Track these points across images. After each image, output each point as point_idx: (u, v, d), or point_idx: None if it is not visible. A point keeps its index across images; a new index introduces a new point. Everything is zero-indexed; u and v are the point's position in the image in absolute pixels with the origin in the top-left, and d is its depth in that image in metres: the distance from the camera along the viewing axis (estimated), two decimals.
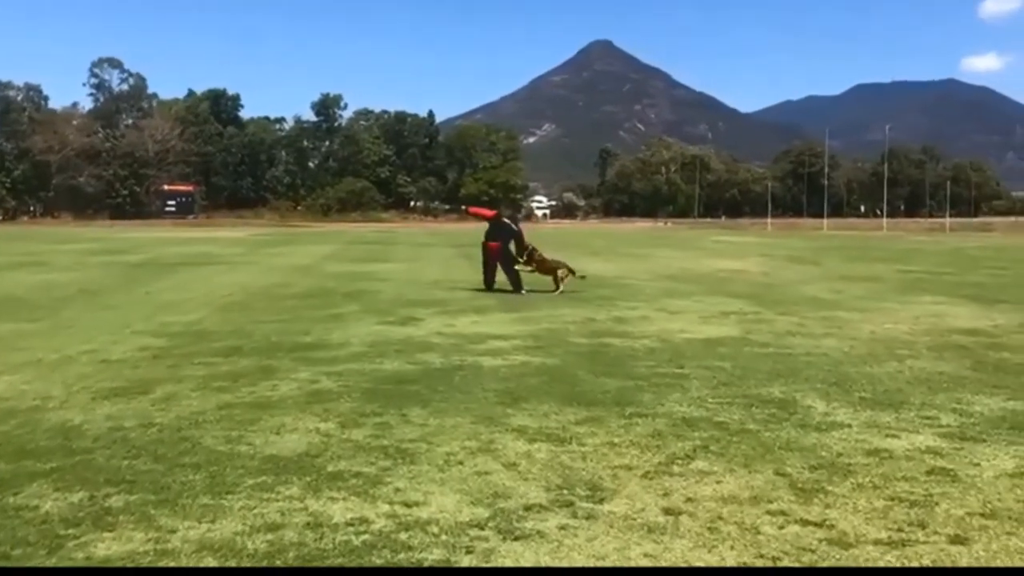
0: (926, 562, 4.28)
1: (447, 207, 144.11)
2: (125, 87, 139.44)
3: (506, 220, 18.42)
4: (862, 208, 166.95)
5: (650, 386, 8.18)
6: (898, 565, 4.27)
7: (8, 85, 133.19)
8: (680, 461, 5.81)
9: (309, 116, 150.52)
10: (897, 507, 5.00)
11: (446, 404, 7.43)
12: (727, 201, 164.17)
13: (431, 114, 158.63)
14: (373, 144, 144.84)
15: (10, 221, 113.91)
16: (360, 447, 6.15)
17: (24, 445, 6.23)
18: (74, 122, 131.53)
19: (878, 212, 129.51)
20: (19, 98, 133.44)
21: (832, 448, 6.16)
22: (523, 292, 17.16)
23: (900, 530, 4.66)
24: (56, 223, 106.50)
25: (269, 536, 4.54)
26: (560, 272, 17.83)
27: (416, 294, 17.26)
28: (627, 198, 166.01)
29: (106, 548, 4.41)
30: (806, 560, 4.29)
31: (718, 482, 5.40)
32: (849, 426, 6.78)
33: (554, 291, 17.24)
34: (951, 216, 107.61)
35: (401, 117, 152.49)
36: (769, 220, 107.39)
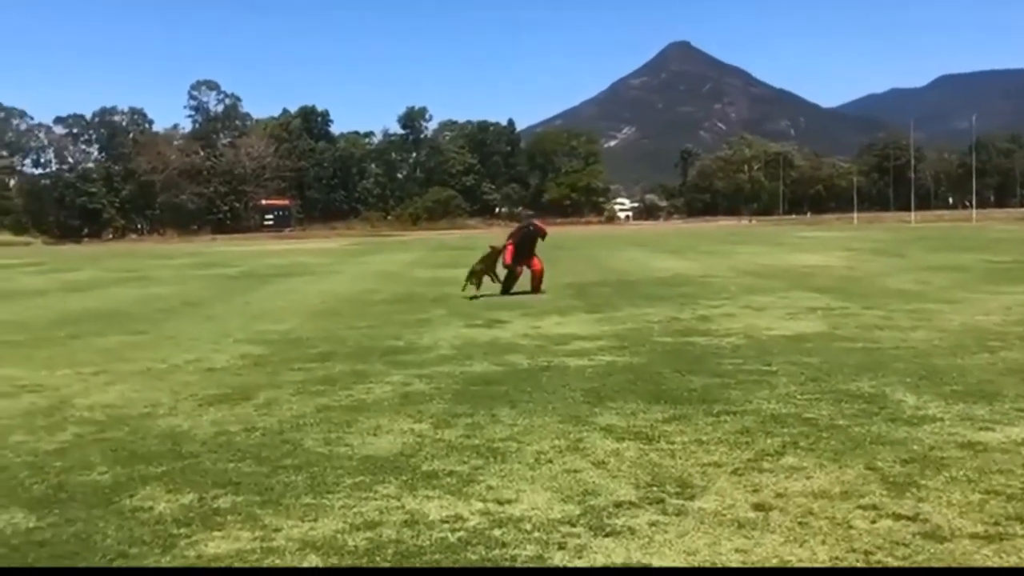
0: None
1: (530, 212, 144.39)
2: (221, 108, 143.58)
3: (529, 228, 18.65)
4: (950, 200, 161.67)
5: (737, 383, 8.07)
6: (995, 559, 4.13)
7: (114, 111, 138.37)
8: (769, 457, 5.72)
9: (396, 129, 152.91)
10: (993, 500, 4.84)
11: (534, 404, 7.45)
12: (811, 197, 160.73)
13: (512, 122, 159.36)
14: (457, 154, 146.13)
15: (118, 239, 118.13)
16: (453, 447, 6.21)
17: (136, 450, 6.45)
18: (175, 143, 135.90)
19: (967, 203, 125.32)
20: (124, 122, 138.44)
21: (924, 442, 5.99)
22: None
23: (997, 524, 4.51)
24: (161, 240, 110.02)
25: (368, 534, 4.62)
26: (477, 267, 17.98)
27: (500, 297, 17.34)
28: (709, 197, 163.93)
29: (215, 547, 4.54)
30: (899, 554, 4.18)
31: (808, 477, 5.30)
32: (941, 419, 6.59)
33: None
34: None
35: (483, 126, 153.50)
36: (855, 214, 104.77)
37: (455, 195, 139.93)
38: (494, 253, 18.14)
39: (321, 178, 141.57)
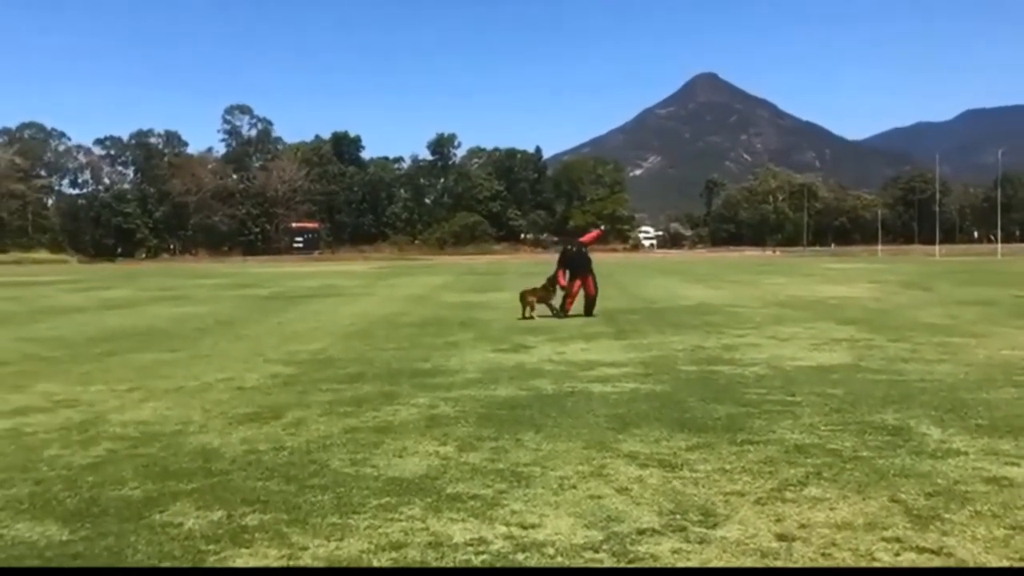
0: None
1: (555, 239, 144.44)
2: (255, 132, 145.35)
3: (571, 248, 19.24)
4: (975, 234, 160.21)
5: (761, 413, 8.03)
6: None
7: (150, 133, 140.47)
8: (793, 487, 5.68)
9: (425, 155, 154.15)
10: (1018, 536, 4.77)
11: (558, 429, 7.44)
12: (836, 229, 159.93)
13: (539, 149, 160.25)
14: (485, 180, 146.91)
15: (152, 259, 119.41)
16: (477, 470, 6.21)
17: (168, 467, 6.50)
18: (209, 165, 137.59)
19: (991, 238, 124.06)
20: (159, 144, 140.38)
21: (948, 475, 5.92)
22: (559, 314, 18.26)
23: (1023, 559, 4.45)
24: (193, 260, 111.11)
25: (393, 554, 4.63)
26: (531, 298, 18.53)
27: (526, 322, 17.40)
28: (734, 227, 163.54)
29: (243, 563, 4.56)
30: None
31: (831, 508, 5.25)
32: (966, 453, 6.50)
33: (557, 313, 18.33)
34: None
35: (511, 153, 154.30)
36: (880, 247, 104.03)
37: (482, 220, 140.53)
38: (549, 282, 18.70)
39: (351, 202, 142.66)
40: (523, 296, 18.57)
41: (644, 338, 14.27)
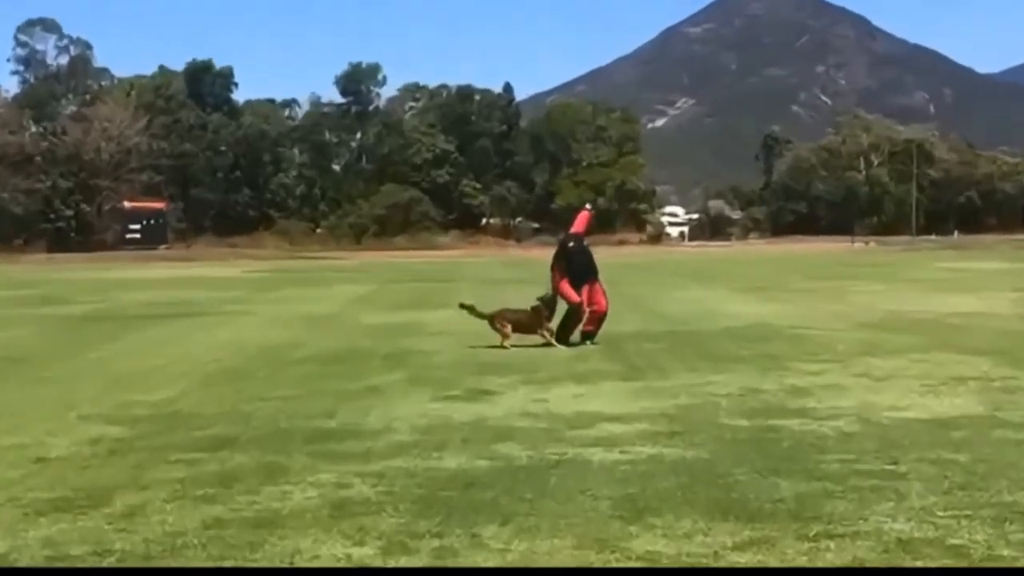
0: None
1: (535, 225, 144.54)
2: (65, 60, 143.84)
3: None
4: None
5: (846, 491, 8.07)
6: None
7: None
8: None
9: (332, 96, 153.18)
10: None
11: (537, 519, 7.45)
12: (961, 208, 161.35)
13: (509, 89, 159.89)
14: (425, 135, 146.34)
15: None
16: None
17: None
18: None
19: None
20: None
21: None
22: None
23: None
24: None
25: None
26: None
27: (489, 354, 17.46)
28: (806, 206, 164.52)
29: None
30: None
31: None
32: None
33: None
34: None
35: (466, 94, 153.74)
36: None
37: (420, 197, 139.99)
38: (546, 303, 18.91)
39: (216, 169, 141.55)
40: (492, 320, 18.76)
41: (667, 378, 14.34)
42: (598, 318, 19.09)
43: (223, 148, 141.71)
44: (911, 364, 15.36)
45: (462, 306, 19.77)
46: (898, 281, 40.54)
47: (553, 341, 18.60)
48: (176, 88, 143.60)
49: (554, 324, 18.92)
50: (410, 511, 7.74)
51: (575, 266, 19.18)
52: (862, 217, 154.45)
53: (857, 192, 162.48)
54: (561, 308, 19.10)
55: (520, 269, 58.13)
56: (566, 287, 18.90)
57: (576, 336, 18.93)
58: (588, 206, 21.82)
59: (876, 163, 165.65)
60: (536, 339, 18.69)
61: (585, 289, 19.05)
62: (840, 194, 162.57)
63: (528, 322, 18.78)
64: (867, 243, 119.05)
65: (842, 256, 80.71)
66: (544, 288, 19.31)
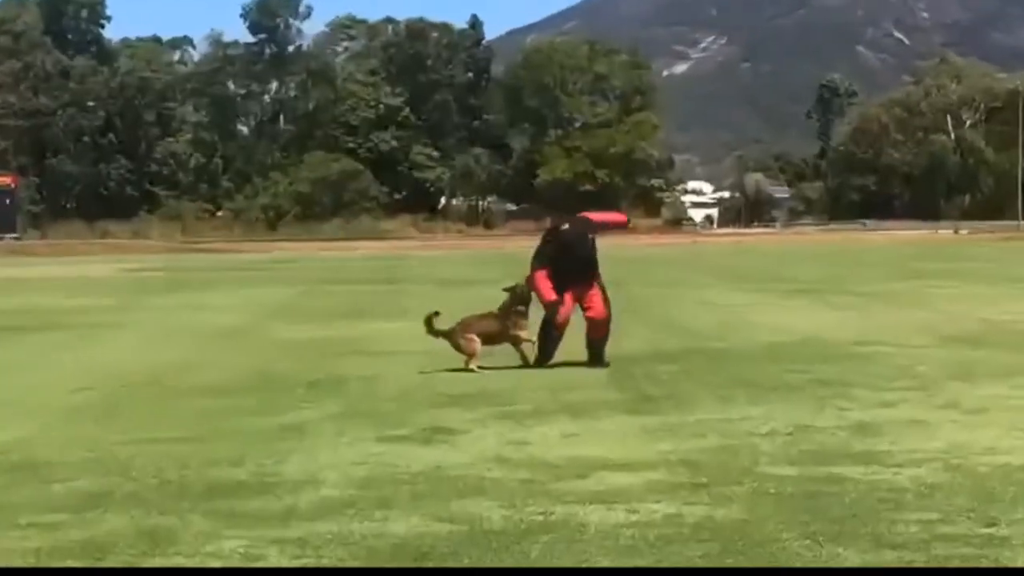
0: None
1: (512, 207, 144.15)
2: None
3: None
4: None
5: (929, 561, 8.04)
6: None
7: None
8: None
9: (238, 33, 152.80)
10: None
11: None
12: None
13: (477, 23, 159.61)
14: (365, 85, 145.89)
15: None
16: None
17: None
18: None
19: None
20: None
21: None
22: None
23: None
24: None
25: None
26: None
27: (449, 381, 17.34)
28: (875, 181, 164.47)
29: None
30: None
31: None
32: None
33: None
34: None
35: (417, 31, 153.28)
36: None
37: (359, 169, 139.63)
38: (516, 297, 18.85)
39: (82, 132, 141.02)
40: (452, 336, 18.64)
41: (690, 411, 14.27)
42: (598, 333, 18.93)
43: (91, 103, 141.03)
44: (1014, 392, 15.30)
45: (429, 323, 19.14)
46: (1000, 281, 40.63)
47: (530, 358, 18.53)
48: (27, 22, 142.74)
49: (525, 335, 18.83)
50: None
51: (564, 259, 18.90)
52: (951, 195, 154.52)
53: (944, 162, 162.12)
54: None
55: (489, 265, 58.26)
56: (541, 279, 18.65)
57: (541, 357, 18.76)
58: (586, 214, 21.42)
59: (969, 123, 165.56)
60: (514, 359, 18.55)
61: (570, 294, 18.88)
62: (922, 164, 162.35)
63: (500, 328, 18.67)
64: (956, 231, 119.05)
65: (924, 247, 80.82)
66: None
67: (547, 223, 21.01)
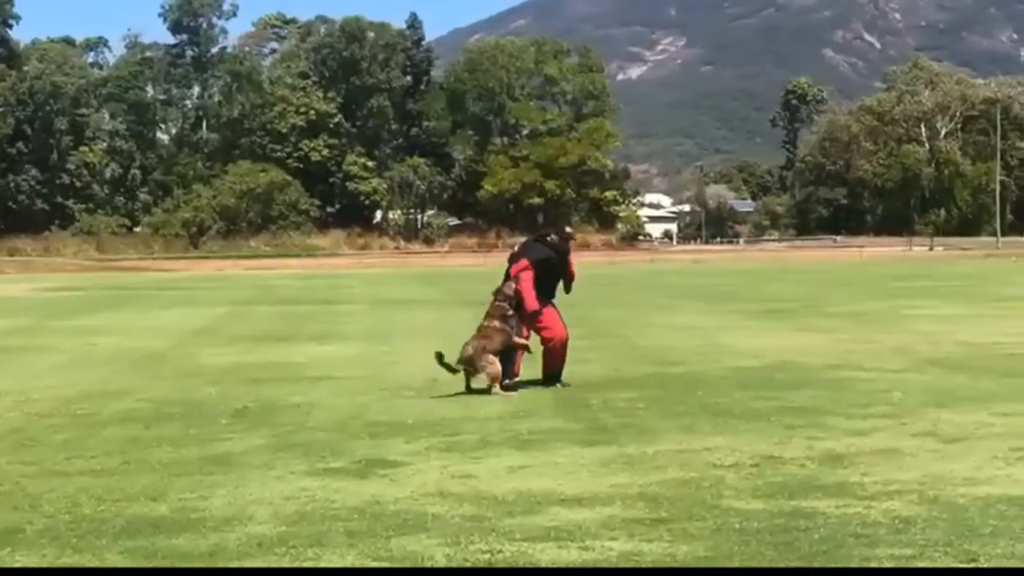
0: None
1: (455, 221, 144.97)
2: None
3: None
4: None
5: None
6: None
7: None
8: None
9: (157, 34, 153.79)
10: None
11: None
12: None
13: (416, 22, 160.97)
14: (295, 90, 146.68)
15: None
16: None
17: None
18: None
19: None
20: None
21: None
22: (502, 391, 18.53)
23: None
24: None
25: None
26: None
27: (385, 408, 17.61)
28: (845, 194, 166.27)
29: None
30: None
31: None
32: None
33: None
34: None
35: (354, 31, 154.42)
36: None
37: (289, 181, 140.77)
38: (506, 298, 19.09)
39: None
40: (473, 362, 18.47)
41: (649, 442, 14.27)
42: (558, 353, 19.22)
43: None
44: (995, 419, 15.48)
45: (440, 359, 18.85)
46: (978, 300, 41.78)
47: (497, 387, 18.42)
48: None
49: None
50: None
51: (547, 274, 19.36)
52: (925, 209, 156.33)
53: (918, 174, 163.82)
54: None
55: (429, 285, 60.71)
56: (529, 281, 18.90)
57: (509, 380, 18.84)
58: (569, 229, 21.46)
59: (944, 132, 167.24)
60: (461, 380, 18.60)
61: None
62: (894, 177, 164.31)
63: (507, 335, 18.80)
64: (931, 247, 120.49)
65: (898, 265, 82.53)
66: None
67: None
